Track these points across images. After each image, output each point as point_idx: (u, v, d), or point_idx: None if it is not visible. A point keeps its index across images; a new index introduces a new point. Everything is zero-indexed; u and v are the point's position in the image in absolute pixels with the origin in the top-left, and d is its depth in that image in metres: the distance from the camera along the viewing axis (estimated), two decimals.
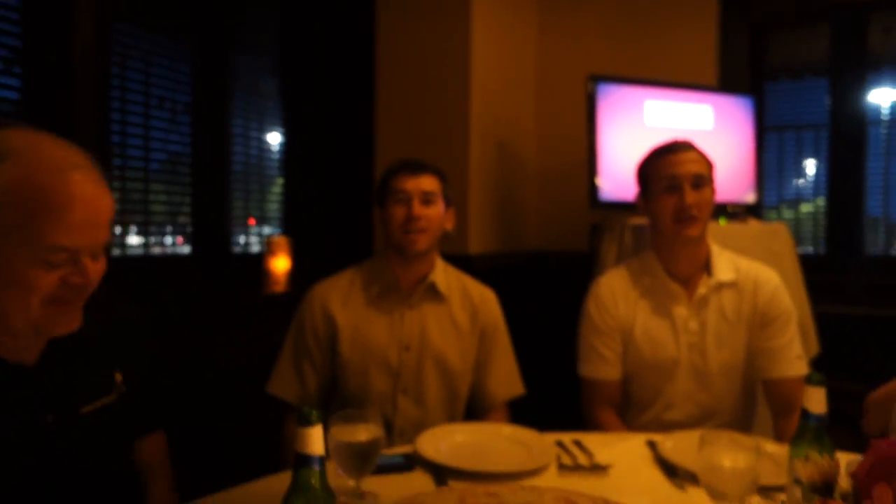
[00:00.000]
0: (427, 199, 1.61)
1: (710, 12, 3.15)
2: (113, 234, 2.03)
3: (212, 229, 2.48)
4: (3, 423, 0.92)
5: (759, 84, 3.29)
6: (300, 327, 1.66)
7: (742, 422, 1.70)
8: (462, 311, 1.70)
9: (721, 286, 1.65)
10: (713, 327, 1.64)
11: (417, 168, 1.63)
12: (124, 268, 2.17)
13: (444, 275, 1.71)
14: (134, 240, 2.27)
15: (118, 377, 1.10)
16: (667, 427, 1.58)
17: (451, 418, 1.65)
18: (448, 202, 1.68)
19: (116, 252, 2.15)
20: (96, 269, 0.94)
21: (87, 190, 0.90)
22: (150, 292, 2.13)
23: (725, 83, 3.14)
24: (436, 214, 1.63)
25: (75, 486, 0.99)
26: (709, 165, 1.67)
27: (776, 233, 2.62)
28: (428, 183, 1.62)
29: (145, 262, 2.26)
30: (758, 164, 2.97)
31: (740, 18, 3.19)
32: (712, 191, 1.66)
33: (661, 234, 1.67)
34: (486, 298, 1.74)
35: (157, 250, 2.32)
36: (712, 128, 2.88)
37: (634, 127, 2.76)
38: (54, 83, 1.87)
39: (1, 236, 0.85)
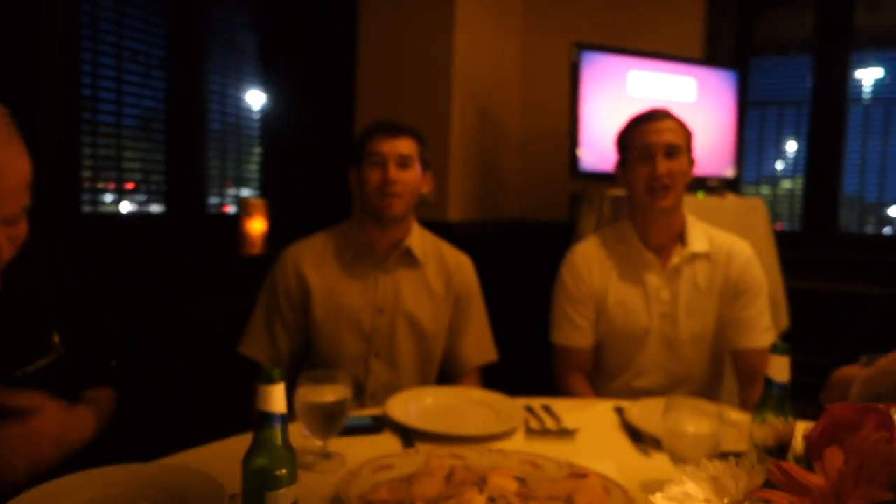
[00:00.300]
0: (404, 162, 1.57)
1: None
2: (77, 188, 2.00)
3: (186, 189, 2.43)
4: None
5: (745, 59, 3.27)
6: (273, 288, 1.64)
7: (709, 391, 1.72)
8: (437, 277, 1.69)
9: (694, 257, 1.66)
10: (685, 297, 1.65)
11: (394, 130, 1.59)
12: (96, 225, 2.13)
13: (420, 240, 1.69)
14: (108, 197, 2.22)
15: (56, 338, 1.07)
16: (636, 394, 1.60)
17: (423, 382, 1.65)
18: (425, 165, 1.65)
19: (87, 209, 2.10)
20: (13, 233, 0.91)
21: None
22: (122, 251, 2.09)
23: (711, 56, 3.12)
24: (412, 178, 1.59)
25: None
26: (686, 135, 1.66)
27: (752, 208, 2.64)
28: (405, 146, 1.58)
29: (117, 221, 2.22)
30: (738, 139, 2.98)
31: None
32: (688, 161, 1.65)
33: (636, 203, 1.67)
34: (461, 264, 1.73)
35: (128, 209, 2.28)
36: (695, 100, 2.87)
37: (617, 97, 2.74)
38: (17, 27, 1.79)
39: None
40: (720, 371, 1.76)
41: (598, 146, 2.63)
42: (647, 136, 1.62)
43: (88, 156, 2.09)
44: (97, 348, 1.19)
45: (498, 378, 1.78)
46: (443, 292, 1.68)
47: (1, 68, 1.79)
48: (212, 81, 2.51)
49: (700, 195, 2.62)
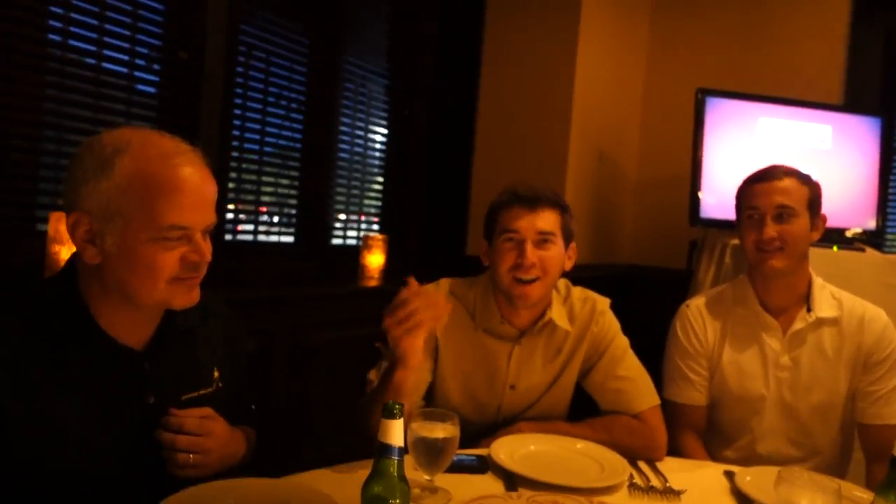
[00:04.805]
0: (544, 239, 1.38)
1: (840, 26, 2.97)
2: (222, 217, 2.22)
3: (314, 220, 2.62)
4: (109, 398, 1.02)
5: (891, 104, 3.05)
6: None
7: (837, 464, 1.61)
8: (571, 339, 1.51)
9: (821, 322, 1.56)
10: (808, 364, 1.56)
11: (532, 202, 1.38)
12: (235, 251, 2.34)
13: (558, 306, 1.48)
14: (247, 227, 2.43)
15: (216, 373, 1.19)
16: (752, 461, 1.53)
17: None
18: (568, 238, 1.44)
19: (228, 237, 2.32)
20: (208, 247, 1.03)
21: (193, 174, 0.99)
22: (256, 276, 2.29)
23: (851, 102, 2.95)
24: (554, 256, 1.39)
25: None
26: (807, 194, 1.56)
27: (895, 264, 2.43)
28: (546, 221, 1.38)
29: (254, 248, 2.42)
30: (882, 189, 2.77)
31: (873, 35, 2.98)
32: (809, 222, 1.56)
33: (750, 262, 1.61)
34: (598, 313, 1.52)
35: (264, 238, 2.48)
36: (830, 147, 2.72)
37: (744, 143, 2.66)
38: (187, 79, 2.05)
39: (125, 222, 0.96)
40: (849, 444, 1.64)
41: (721, 193, 2.56)
42: (757, 197, 1.57)
43: (232, 189, 2.31)
44: (242, 390, 1.30)
45: None
46: (577, 355, 1.50)
47: (170, 111, 2.04)
48: (342, 124, 2.71)
49: (835, 249, 2.46)
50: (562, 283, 1.54)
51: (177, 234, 0.97)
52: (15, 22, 1.65)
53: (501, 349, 1.47)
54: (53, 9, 1.74)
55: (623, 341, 1.53)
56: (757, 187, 1.58)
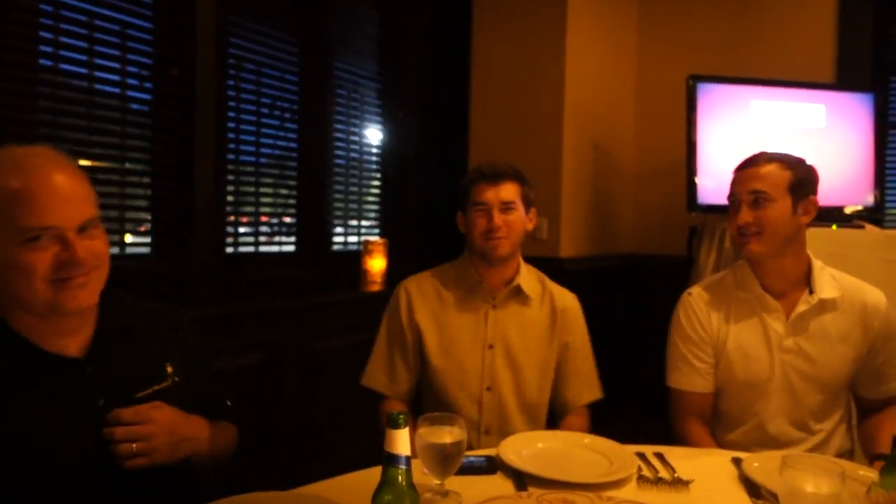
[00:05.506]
0: (507, 206, 1.64)
1: (828, 4, 2.97)
2: (222, 230, 2.23)
3: (314, 227, 2.63)
4: (56, 409, 1.03)
5: (883, 79, 3.05)
6: (388, 323, 1.76)
7: (844, 441, 1.63)
8: (544, 314, 1.73)
9: (823, 304, 1.57)
10: (812, 345, 1.57)
11: (496, 177, 1.65)
12: (237, 263, 2.35)
13: (528, 278, 1.74)
14: (247, 237, 2.44)
15: (169, 368, 1.20)
16: (758, 444, 1.53)
17: (531, 418, 1.69)
18: (528, 204, 1.71)
19: (230, 250, 2.33)
20: (89, 245, 1.04)
21: (46, 176, 1.00)
22: (259, 288, 2.30)
23: (843, 80, 2.95)
24: (516, 219, 1.66)
25: (130, 469, 1.06)
26: (785, 179, 1.55)
27: (894, 239, 2.44)
28: (507, 191, 1.65)
29: (254, 259, 2.43)
30: (878, 164, 2.78)
31: (862, 10, 2.98)
32: (785, 206, 1.55)
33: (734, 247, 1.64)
34: (567, 305, 1.75)
35: (265, 248, 2.50)
36: (824, 126, 2.73)
37: (738, 127, 2.66)
38: (180, 95, 2.07)
39: None
40: (848, 415, 1.66)
41: (717, 178, 2.56)
42: (735, 184, 1.60)
43: (231, 202, 2.32)
44: (208, 383, 1.31)
45: (612, 420, 1.78)
46: (549, 330, 1.72)
47: (164, 124, 2.05)
48: (336, 130, 2.72)
49: (834, 227, 2.47)
50: (539, 274, 1.80)
51: (39, 234, 0.99)
52: (5, 48, 1.66)
53: (479, 309, 1.71)
54: (43, 34, 1.75)
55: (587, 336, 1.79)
56: (737, 175, 1.61)
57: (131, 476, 1.05)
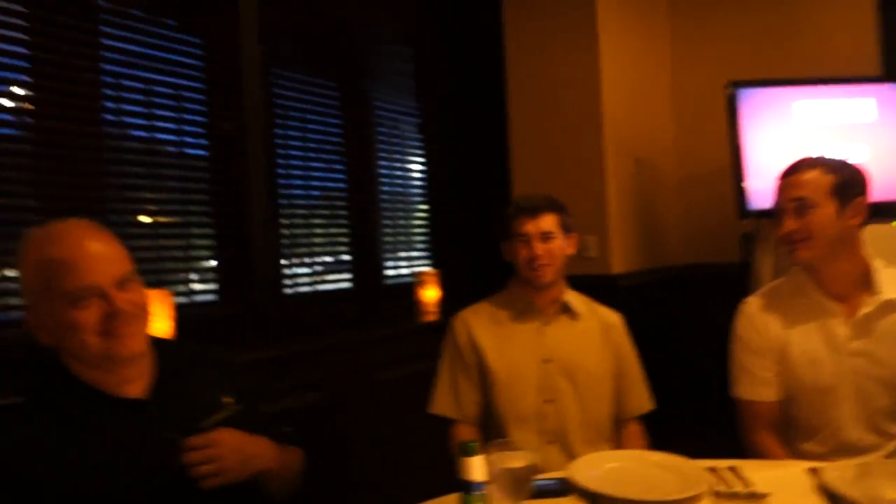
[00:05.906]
0: (546, 236, 1.75)
1: None
2: (277, 272, 2.32)
3: (367, 262, 2.70)
4: (130, 446, 1.13)
5: None
6: (450, 352, 1.82)
7: None
8: (593, 326, 1.82)
9: (888, 304, 1.53)
10: (879, 347, 1.53)
11: (534, 211, 1.76)
12: (295, 302, 2.43)
13: (574, 295, 1.85)
14: (303, 278, 2.53)
15: (227, 399, 1.30)
16: (835, 452, 1.50)
17: (597, 430, 1.74)
18: (567, 230, 1.81)
19: (288, 291, 2.42)
20: (127, 297, 1.14)
21: (81, 242, 1.13)
22: (318, 325, 2.37)
23: (892, 70, 2.88)
24: (556, 247, 1.76)
25: (204, 495, 1.14)
26: (828, 182, 1.53)
27: None
28: (546, 223, 1.76)
29: (312, 298, 2.51)
30: None
31: None
32: (829, 211, 1.52)
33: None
34: (613, 321, 1.85)
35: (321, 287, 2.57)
36: (877, 118, 2.66)
37: (783, 129, 2.62)
38: (233, 148, 2.18)
39: (45, 301, 1.11)
40: None
41: (768, 183, 2.52)
42: (778, 193, 1.60)
43: (285, 245, 2.41)
44: (263, 416, 1.39)
45: (677, 434, 1.76)
46: (601, 342, 1.81)
47: (220, 173, 2.16)
48: (381, 166, 2.80)
49: (894, 224, 2.39)
50: (584, 296, 1.89)
51: (83, 294, 1.10)
52: (73, 119, 1.80)
53: (532, 326, 1.79)
54: (106, 103, 1.88)
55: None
56: (780, 183, 1.61)
57: (205, 501, 1.12)
